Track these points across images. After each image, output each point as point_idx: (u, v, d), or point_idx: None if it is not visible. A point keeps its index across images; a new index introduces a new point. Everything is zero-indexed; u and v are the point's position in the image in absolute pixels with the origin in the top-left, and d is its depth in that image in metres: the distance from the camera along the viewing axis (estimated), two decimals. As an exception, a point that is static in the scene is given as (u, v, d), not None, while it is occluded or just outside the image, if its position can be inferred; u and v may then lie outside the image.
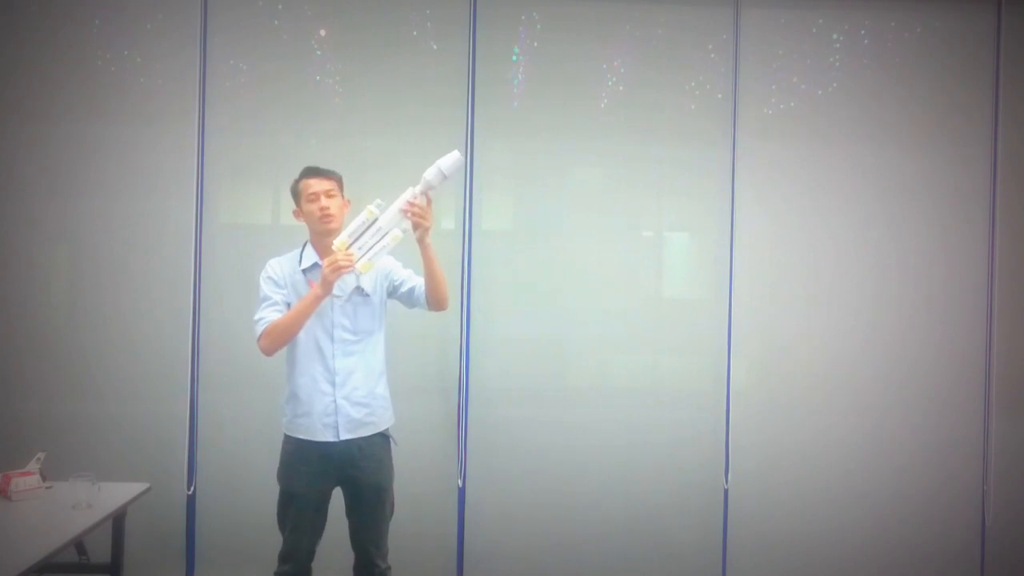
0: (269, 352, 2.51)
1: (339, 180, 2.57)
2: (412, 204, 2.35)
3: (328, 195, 2.50)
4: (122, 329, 3.15)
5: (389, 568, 2.61)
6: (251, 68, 3.20)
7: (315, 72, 3.22)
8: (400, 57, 3.23)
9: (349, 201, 2.60)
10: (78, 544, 2.60)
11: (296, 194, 2.56)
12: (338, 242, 2.36)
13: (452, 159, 2.37)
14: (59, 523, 2.30)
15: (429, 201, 2.39)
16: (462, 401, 3.21)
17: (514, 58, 3.28)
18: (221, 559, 3.17)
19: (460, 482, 3.21)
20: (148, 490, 2.68)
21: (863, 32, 3.33)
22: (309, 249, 2.57)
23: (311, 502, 2.52)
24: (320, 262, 2.47)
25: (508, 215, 3.41)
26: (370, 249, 2.37)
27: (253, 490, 3.12)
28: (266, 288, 2.53)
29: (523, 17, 3.27)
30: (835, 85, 3.33)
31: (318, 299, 2.41)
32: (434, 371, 3.23)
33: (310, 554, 2.56)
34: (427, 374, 3.22)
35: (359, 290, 2.53)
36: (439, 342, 3.22)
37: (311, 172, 2.54)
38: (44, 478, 2.58)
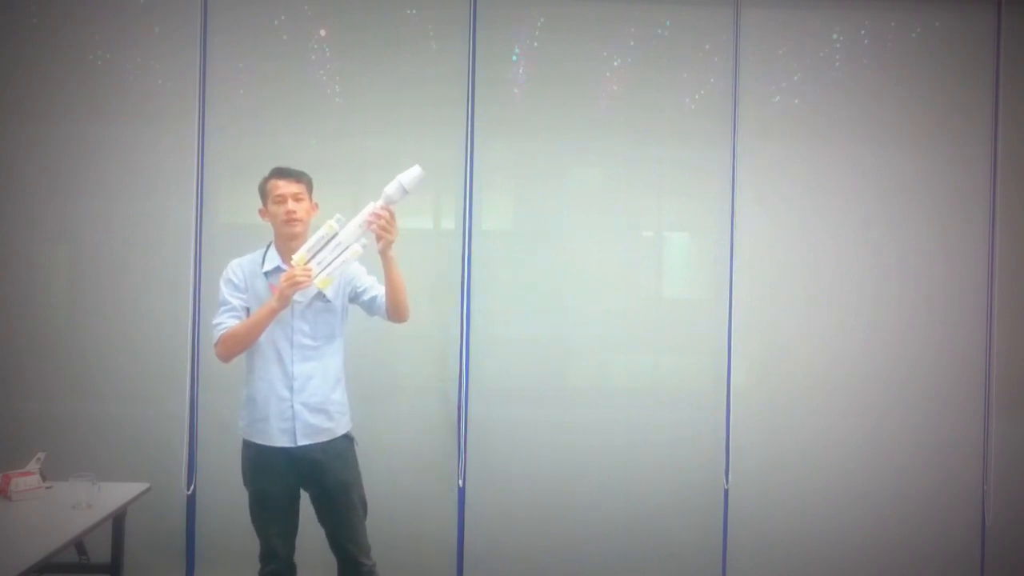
0: (225, 359, 2.49)
1: (308, 183, 2.54)
2: (378, 215, 2.33)
3: (296, 198, 2.48)
4: (122, 329, 3.15)
5: (374, 565, 2.59)
6: (251, 68, 3.20)
7: (315, 72, 3.22)
8: (400, 57, 3.23)
9: (317, 205, 2.56)
10: (78, 544, 2.60)
11: (263, 193, 2.53)
12: (297, 257, 2.35)
13: (413, 174, 2.35)
14: (59, 523, 2.30)
15: (392, 214, 2.36)
16: (462, 401, 3.21)
17: (514, 58, 3.28)
18: (221, 559, 3.17)
19: (460, 482, 3.20)
20: (148, 490, 2.68)
21: (863, 32, 3.34)
22: (272, 251, 2.55)
23: (280, 503, 2.52)
24: (283, 265, 2.46)
25: (508, 215, 3.41)
26: (329, 264, 2.36)
27: (253, 490, 3.12)
28: (226, 292, 2.50)
29: (523, 17, 3.27)
30: (835, 85, 3.33)
31: (274, 312, 2.39)
32: (434, 371, 3.23)
33: (290, 551, 2.56)
34: (427, 374, 3.22)
35: (320, 296, 2.48)
36: (439, 342, 3.22)
37: (280, 173, 2.51)
38: (44, 478, 2.58)
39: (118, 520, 2.60)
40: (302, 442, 2.48)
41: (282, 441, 2.47)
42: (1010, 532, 3.32)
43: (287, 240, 2.48)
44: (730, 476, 3.27)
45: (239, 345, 2.45)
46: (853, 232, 3.33)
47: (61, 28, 3.16)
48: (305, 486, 2.56)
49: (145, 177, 3.17)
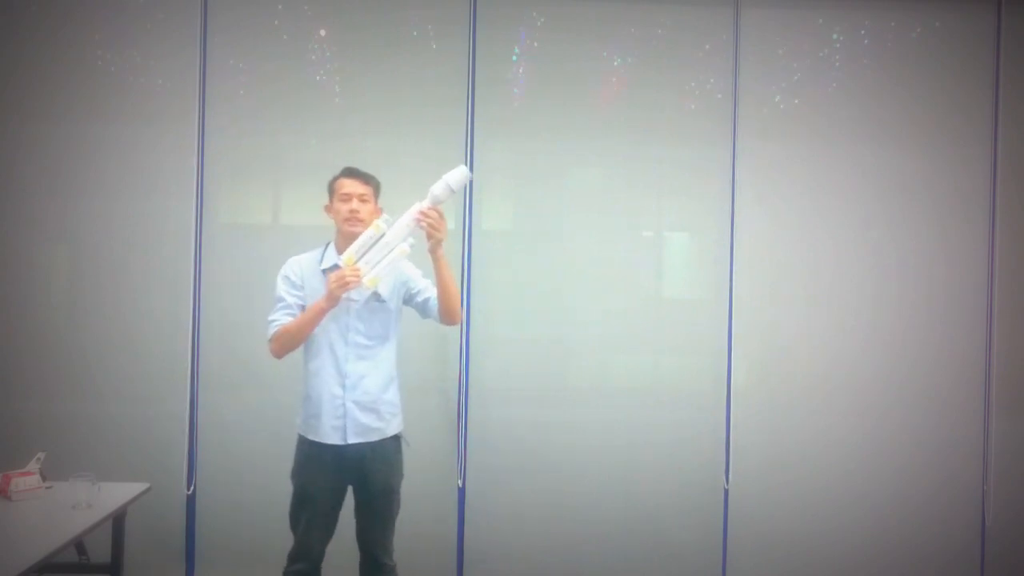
0: (279, 355, 2.52)
1: (376, 186, 2.58)
2: (426, 214, 2.34)
3: (361, 199, 2.51)
4: (122, 329, 3.15)
5: (395, 565, 2.62)
6: (251, 68, 3.20)
7: (315, 72, 3.22)
8: (400, 57, 3.23)
9: (382, 210, 2.58)
10: (78, 544, 2.61)
11: (331, 190, 2.57)
12: (344, 257, 2.37)
13: (459, 173, 2.37)
14: (59, 523, 2.30)
15: (441, 213, 2.38)
16: (462, 401, 3.21)
17: (514, 58, 3.28)
18: (221, 559, 3.17)
19: (460, 482, 3.21)
20: (148, 490, 2.68)
21: (863, 32, 3.34)
22: (331, 249, 2.58)
23: (325, 503, 2.53)
24: (341, 263, 2.47)
25: (508, 215, 3.41)
26: (377, 264, 2.36)
27: (253, 490, 3.13)
28: (281, 288, 2.54)
29: (523, 17, 3.27)
30: (835, 85, 3.33)
31: (323, 311, 2.42)
32: (434, 371, 3.23)
33: (320, 554, 2.57)
34: (427, 374, 3.22)
35: (375, 295, 2.52)
36: (439, 342, 3.21)
37: (350, 172, 2.56)
38: (44, 478, 2.58)
39: (118, 520, 2.60)
40: (352, 440, 2.50)
41: (333, 438, 2.50)
42: (1010, 532, 3.32)
43: (347, 239, 2.50)
44: (730, 476, 3.27)
45: (291, 342, 2.49)
46: (853, 232, 3.33)
47: (61, 28, 3.16)
48: (352, 483, 2.58)
49: (145, 177, 3.17)
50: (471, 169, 3.20)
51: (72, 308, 3.22)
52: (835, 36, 3.33)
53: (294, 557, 2.55)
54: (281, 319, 2.50)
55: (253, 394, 3.16)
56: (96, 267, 3.18)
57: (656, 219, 3.42)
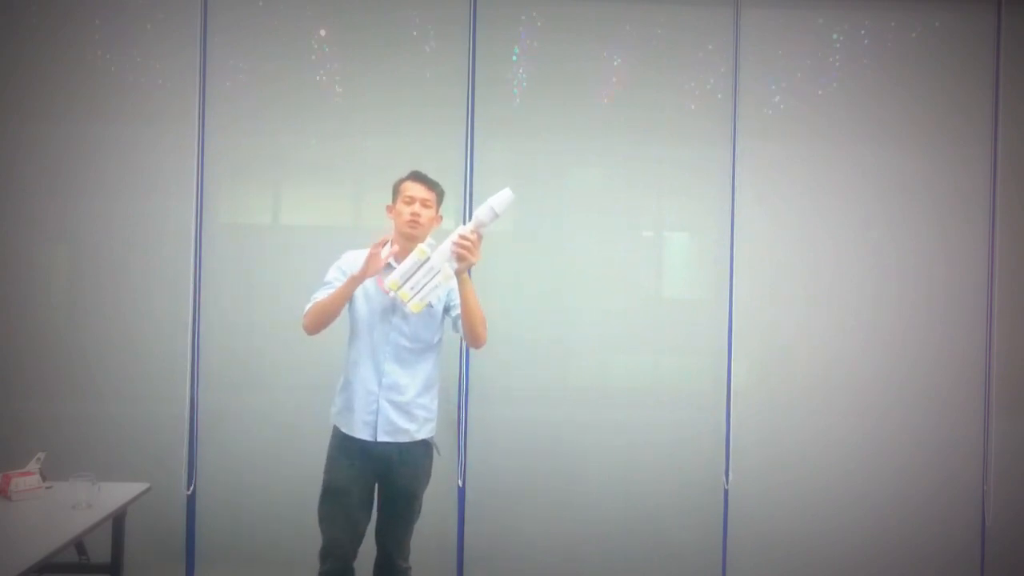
0: (310, 331, 2.51)
1: (440, 194, 2.60)
2: (464, 237, 2.34)
3: (424, 204, 2.53)
4: (122, 329, 3.16)
5: (410, 568, 2.63)
6: (251, 68, 3.20)
7: (315, 72, 3.22)
8: (400, 57, 3.23)
9: (442, 217, 2.62)
10: (78, 544, 2.60)
11: (396, 191, 2.59)
12: (389, 281, 2.37)
13: (504, 196, 2.35)
14: (59, 523, 2.30)
15: (480, 237, 2.37)
16: (462, 401, 3.21)
17: (514, 58, 3.28)
18: (221, 559, 3.17)
19: (460, 482, 3.20)
20: (148, 490, 2.68)
21: (863, 32, 3.34)
22: (387, 249, 2.57)
23: (350, 498, 2.52)
24: (394, 263, 2.48)
25: (508, 215, 3.39)
26: (422, 288, 2.36)
27: (253, 490, 3.14)
28: (331, 274, 2.56)
29: (523, 17, 3.27)
30: (835, 85, 3.33)
31: (355, 280, 2.43)
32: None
33: (350, 552, 2.55)
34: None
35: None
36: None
37: (417, 177, 2.57)
38: (44, 478, 2.58)
39: (118, 520, 2.60)
40: (381, 439, 2.50)
41: (363, 433, 2.50)
42: (1010, 532, 3.32)
43: (405, 240, 2.52)
44: (730, 476, 3.27)
45: (322, 315, 2.48)
46: (853, 232, 3.33)
47: (61, 28, 3.16)
48: (378, 481, 2.58)
49: (145, 177, 3.17)
50: (471, 169, 3.21)
51: (72, 308, 3.22)
52: (835, 36, 3.33)
53: (323, 555, 2.54)
54: (319, 296, 2.52)
55: (253, 394, 3.16)
56: (96, 267, 3.18)
57: (656, 219, 3.43)
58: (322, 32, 3.22)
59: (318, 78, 3.22)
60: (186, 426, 3.13)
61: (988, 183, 3.34)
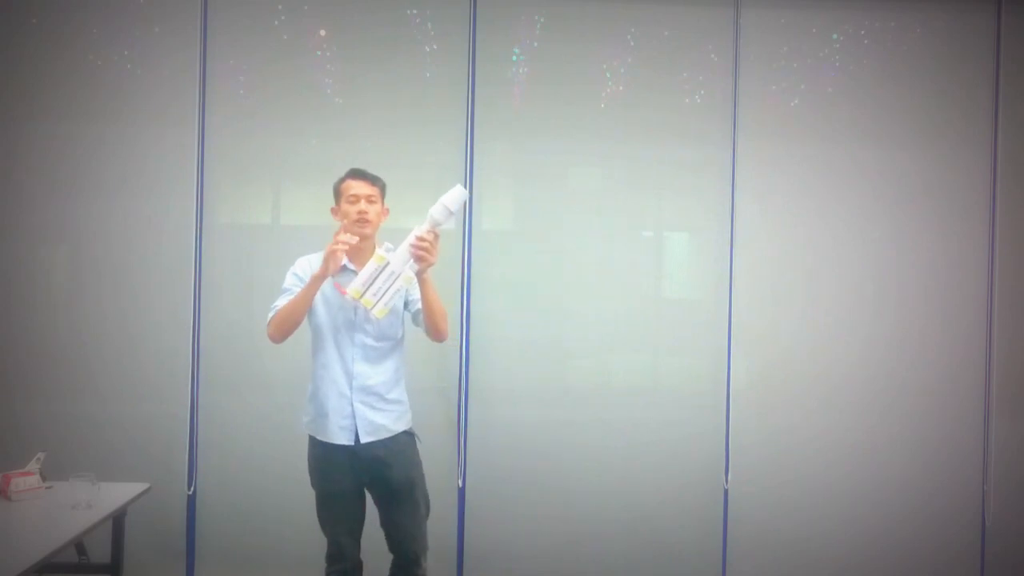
0: (276, 339, 2.49)
1: (382, 187, 2.57)
2: (421, 239, 2.31)
3: (369, 200, 2.50)
4: (122, 329, 3.15)
5: (426, 572, 2.62)
6: (251, 68, 3.20)
7: (315, 72, 3.22)
8: (400, 57, 3.23)
9: (388, 209, 2.58)
10: (78, 544, 2.61)
11: (337, 192, 2.55)
12: (351, 290, 2.35)
13: (455, 194, 2.34)
14: (59, 523, 2.30)
15: (437, 236, 2.36)
16: (462, 401, 3.21)
17: (514, 58, 3.28)
18: (221, 559, 3.17)
19: (460, 482, 3.21)
20: (148, 490, 2.68)
21: (863, 32, 3.34)
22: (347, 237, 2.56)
23: (346, 501, 2.53)
24: (350, 266, 2.47)
25: (508, 215, 3.41)
26: (384, 293, 2.35)
27: (253, 490, 3.14)
28: (288, 281, 2.54)
29: (523, 17, 3.27)
30: (835, 85, 3.33)
31: (317, 280, 2.40)
32: (434, 371, 3.23)
33: (355, 549, 2.57)
34: (427, 374, 3.22)
35: None
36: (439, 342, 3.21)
37: (356, 174, 2.54)
38: (44, 478, 2.58)
39: (118, 520, 2.60)
40: (365, 440, 2.49)
41: (342, 439, 2.49)
42: (1010, 532, 3.32)
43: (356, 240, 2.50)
44: (730, 476, 3.27)
45: (286, 322, 2.46)
46: (853, 232, 3.33)
47: (61, 28, 3.16)
48: (369, 486, 2.58)
49: (145, 177, 3.17)
50: (471, 169, 3.21)
51: (72, 308, 3.22)
52: (835, 36, 3.33)
53: (331, 558, 2.55)
54: (280, 303, 2.50)
55: (253, 394, 3.16)
56: (96, 267, 3.18)
57: (656, 219, 3.43)
58: (322, 32, 3.22)
59: (318, 78, 3.22)
60: (186, 426, 3.13)
61: (988, 183, 3.34)
